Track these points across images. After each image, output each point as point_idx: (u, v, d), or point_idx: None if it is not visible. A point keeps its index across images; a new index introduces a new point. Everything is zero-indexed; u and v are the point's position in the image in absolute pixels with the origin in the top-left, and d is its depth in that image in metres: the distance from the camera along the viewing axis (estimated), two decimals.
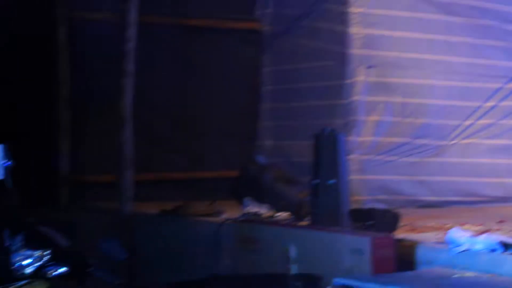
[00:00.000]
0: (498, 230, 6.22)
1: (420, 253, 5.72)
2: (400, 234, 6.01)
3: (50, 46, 8.55)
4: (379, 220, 6.06)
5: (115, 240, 5.25)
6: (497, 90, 8.28)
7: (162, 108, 8.70)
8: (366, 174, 7.76)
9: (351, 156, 7.14)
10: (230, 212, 6.91)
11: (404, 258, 5.66)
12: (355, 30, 7.96)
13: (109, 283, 5.09)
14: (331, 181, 6.21)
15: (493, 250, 5.45)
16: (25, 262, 4.86)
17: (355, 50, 8.00)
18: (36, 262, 4.87)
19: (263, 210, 6.68)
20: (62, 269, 4.89)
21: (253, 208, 6.71)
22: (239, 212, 6.76)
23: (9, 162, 5.01)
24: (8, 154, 5.02)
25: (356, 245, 5.64)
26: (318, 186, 6.26)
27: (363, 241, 5.63)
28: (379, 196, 7.64)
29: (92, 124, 8.55)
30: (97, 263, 5.00)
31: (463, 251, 5.50)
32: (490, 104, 8.28)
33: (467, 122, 8.25)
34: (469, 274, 5.38)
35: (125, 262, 6.56)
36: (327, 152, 6.27)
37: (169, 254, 6.94)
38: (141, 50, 7.65)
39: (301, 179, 7.07)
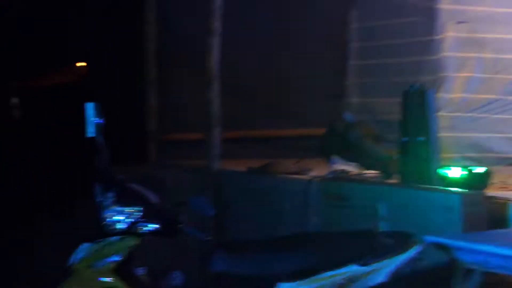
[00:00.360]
0: None
1: None
2: (491, 191, 5.97)
3: (139, 2, 8.60)
4: (470, 178, 6.05)
5: (204, 197, 5.30)
6: None
7: (249, 65, 8.71)
8: (456, 131, 7.70)
9: (441, 113, 7.06)
10: (318, 170, 6.95)
11: (495, 215, 5.65)
12: None
13: (198, 239, 5.19)
14: (420, 139, 6.19)
15: None
16: (116, 218, 4.99)
17: (444, 5, 7.95)
18: (127, 219, 4.99)
19: (351, 168, 6.72)
20: (153, 226, 5.00)
21: (341, 166, 6.75)
22: (327, 170, 6.80)
23: (101, 120, 5.09)
24: (99, 112, 5.09)
25: (447, 203, 5.64)
26: (407, 143, 6.26)
27: (454, 198, 5.64)
28: (469, 153, 7.59)
29: (180, 82, 8.64)
30: (186, 220, 5.09)
31: None
32: None
33: None
34: None
35: (214, 219, 6.79)
36: (416, 109, 6.26)
37: (256, 211, 7.01)
38: (229, 7, 7.64)
39: (389, 137, 7.03)
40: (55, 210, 8.39)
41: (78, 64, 10.01)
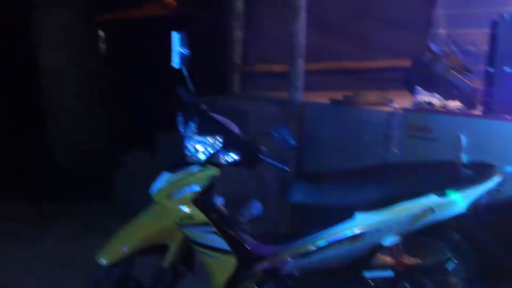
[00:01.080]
0: None
1: None
2: None
3: None
4: None
5: (285, 128, 5.24)
6: None
7: None
8: None
9: None
10: (401, 102, 6.90)
11: None
12: None
13: (278, 170, 5.22)
14: (508, 70, 6.12)
15: None
16: (197, 148, 5.08)
17: None
18: (208, 149, 5.06)
19: (435, 99, 6.65)
20: (234, 157, 5.08)
21: (425, 97, 6.69)
22: (411, 101, 6.76)
23: (186, 51, 5.14)
24: (185, 43, 5.14)
25: None
26: (494, 74, 6.20)
27: None
28: None
29: (265, 14, 8.62)
30: (267, 151, 5.15)
31: None
32: None
33: None
34: None
35: (294, 150, 6.87)
36: (505, 40, 6.16)
37: (338, 142, 7.03)
38: None
39: (476, 68, 6.97)
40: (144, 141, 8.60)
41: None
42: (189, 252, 5.15)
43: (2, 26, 9.20)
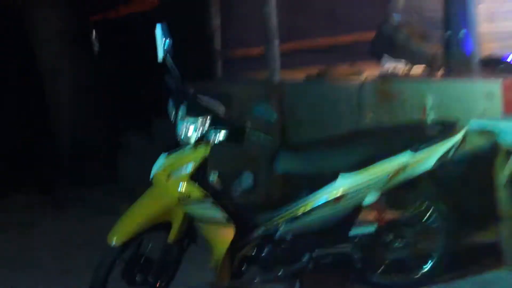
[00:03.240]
0: None
1: None
2: None
3: None
4: (509, 65, 6.06)
5: (266, 104, 5.36)
6: None
7: None
8: (498, 21, 7.58)
9: (482, 5, 6.90)
10: (370, 71, 6.95)
11: None
12: None
13: (263, 143, 5.23)
14: (464, 31, 6.17)
15: None
16: (188, 129, 5.04)
17: None
18: (198, 129, 5.03)
19: (400, 66, 6.70)
20: (222, 133, 5.03)
21: (391, 65, 6.76)
22: (378, 70, 6.82)
23: (169, 40, 5.11)
24: (167, 33, 5.13)
25: (488, 89, 5.66)
26: (450, 38, 6.24)
27: (495, 86, 5.65)
28: (508, 42, 7.43)
29: (239, 2, 8.63)
30: (251, 125, 5.13)
31: None
32: None
33: None
34: None
35: (277, 124, 6.80)
36: (458, 4, 6.22)
37: (315, 114, 7.02)
38: None
39: (434, 33, 6.99)
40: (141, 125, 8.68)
41: None
42: (191, 226, 5.15)
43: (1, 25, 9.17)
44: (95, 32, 10.52)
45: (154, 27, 5.15)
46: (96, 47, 10.53)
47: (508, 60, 6.24)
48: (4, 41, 9.03)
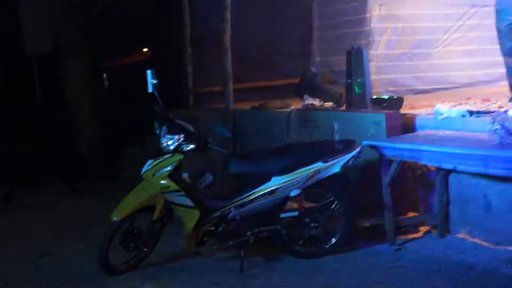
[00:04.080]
0: (466, 103, 6.19)
1: (417, 122, 5.72)
2: (404, 110, 5.96)
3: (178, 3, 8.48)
4: (390, 103, 5.94)
5: (223, 126, 5.35)
6: (463, 14, 8.09)
7: (249, 39, 8.46)
8: (382, 74, 7.64)
9: (372, 63, 6.94)
10: (296, 105, 6.84)
11: (407, 125, 5.67)
12: None
13: (221, 152, 5.28)
14: (360, 80, 6.10)
15: (463, 116, 5.46)
16: (168, 143, 5.03)
17: None
18: (175, 142, 5.02)
19: (316, 102, 6.59)
20: (191, 145, 5.05)
21: (310, 101, 6.62)
22: (301, 104, 6.69)
23: (156, 81, 5.13)
24: (154, 76, 5.14)
25: (376, 119, 5.62)
26: (350, 84, 6.16)
27: (381, 116, 5.61)
28: (390, 87, 7.54)
29: (206, 53, 8.46)
30: (212, 140, 5.14)
31: (444, 118, 5.51)
32: (459, 23, 8.09)
33: (445, 36, 8.07)
34: (448, 132, 5.39)
35: (230, 139, 6.81)
36: (356, 61, 6.16)
37: (257, 133, 6.95)
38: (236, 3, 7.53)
39: (340, 80, 6.99)
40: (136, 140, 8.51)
41: (144, 49, 10.09)
42: (169, 209, 5.09)
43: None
44: (106, 75, 10.34)
45: (146, 70, 5.17)
46: (106, 85, 10.40)
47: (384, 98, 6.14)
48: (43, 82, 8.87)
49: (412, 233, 5.46)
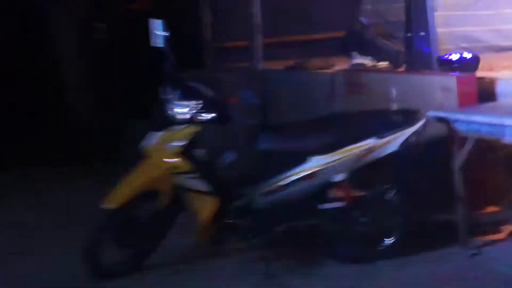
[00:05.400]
0: None
1: (499, 88, 5.52)
2: (480, 73, 5.76)
3: None
4: (462, 63, 5.75)
5: (250, 90, 5.55)
6: None
7: None
8: (451, 26, 7.29)
9: (438, 13, 6.55)
10: (341, 65, 6.77)
11: (485, 92, 5.48)
12: None
13: (247, 124, 5.49)
14: (422, 33, 5.95)
15: None
16: (180, 111, 4.98)
17: None
18: (190, 111, 4.97)
19: (367, 61, 6.50)
20: (210, 115, 4.98)
21: (359, 60, 6.54)
22: (348, 64, 6.63)
23: (167, 33, 5.09)
24: (165, 27, 5.09)
25: (445, 84, 5.47)
26: (411, 39, 6.01)
27: (451, 80, 5.47)
28: (462, 43, 7.22)
29: (229, 2, 8.34)
30: (236, 109, 5.16)
31: None
32: None
33: None
34: None
35: (259, 108, 6.72)
36: (418, 10, 5.99)
37: (292, 100, 6.86)
38: None
39: (398, 34, 6.72)
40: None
41: None
42: (179, 195, 5.03)
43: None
44: (104, 26, 10.39)
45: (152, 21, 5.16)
46: (104, 40, 10.40)
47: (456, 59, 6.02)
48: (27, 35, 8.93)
49: (492, 233, 5.36)
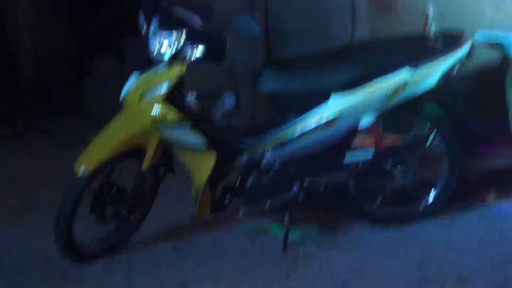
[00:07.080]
0: None
1: None
2: None
3: None
4: None
5: (248, 17, 5.16)
6: None
7: None
8: None
9: None
10: None
11: None
12: None
13: (246, 59, 5.33)
14: None
15: None
16: (161, 45, 4.83)
17: None
18: (173, 44, 4.83)
19: None
20: (199, 49, 4.82)
21: None
22: None
23: None
24: None
25: None
26: None
27: None
28: None
29: None
30: (233, 41, 4.97)
31: None
32: None
33: None
34: None
35: (261, 38, 6.71)
36: None
37: (304, 26, 6.81)
38: None
39: None
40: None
41: None
42: (167, 153, 5.04)
43: None
44: None
45: None
46: None
47: None
48: None
49: None
